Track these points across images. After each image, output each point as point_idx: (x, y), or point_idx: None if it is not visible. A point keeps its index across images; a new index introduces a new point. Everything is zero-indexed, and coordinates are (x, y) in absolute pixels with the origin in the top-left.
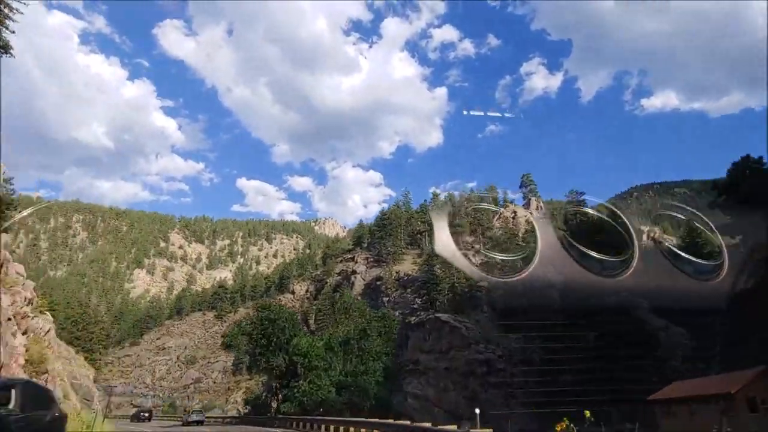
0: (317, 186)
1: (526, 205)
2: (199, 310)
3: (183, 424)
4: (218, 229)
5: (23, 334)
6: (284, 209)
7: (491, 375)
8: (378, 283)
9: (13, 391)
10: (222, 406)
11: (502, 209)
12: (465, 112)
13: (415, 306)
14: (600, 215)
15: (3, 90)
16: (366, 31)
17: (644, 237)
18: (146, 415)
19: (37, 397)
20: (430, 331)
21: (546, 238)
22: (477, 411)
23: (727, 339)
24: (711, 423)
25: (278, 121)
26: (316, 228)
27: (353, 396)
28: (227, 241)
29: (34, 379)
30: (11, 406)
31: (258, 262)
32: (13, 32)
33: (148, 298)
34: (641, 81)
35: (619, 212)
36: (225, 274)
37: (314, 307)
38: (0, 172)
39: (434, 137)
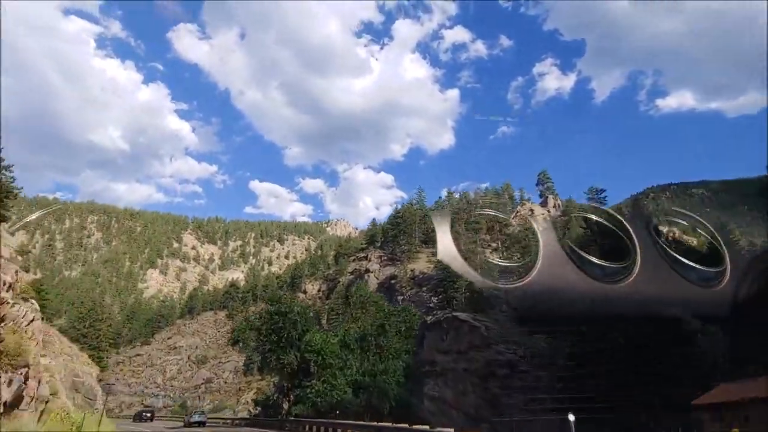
0: (329, 188)
1: (543, 203)
2: (211, 309)
3: (185, 425)
4: (231, 230)
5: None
6: (296, 211)
7: (513, 377)
8: (392, 281)
9: None
10: (233, 407)
11: (519, 207)
12: (477, 116)
13: (431, 305)
14: (619, 215)
15: (21, 94)
16: (377, 33)
17: (663, 239)
18: (148, 415)
19: None
20: (448, 330)
21: (548, 243)
22: (571, 418)
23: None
24: None
25: (290, 124)
26: (328, 229)
27: (371, 397)
28: (239, 242)
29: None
30: None
31: (270, 263)
32: None
33: (161, 298)
34: (656, 81)
35: (618, 216)
36: (237, 274)
37: (327, 306)
38: None
39: (446, 139)
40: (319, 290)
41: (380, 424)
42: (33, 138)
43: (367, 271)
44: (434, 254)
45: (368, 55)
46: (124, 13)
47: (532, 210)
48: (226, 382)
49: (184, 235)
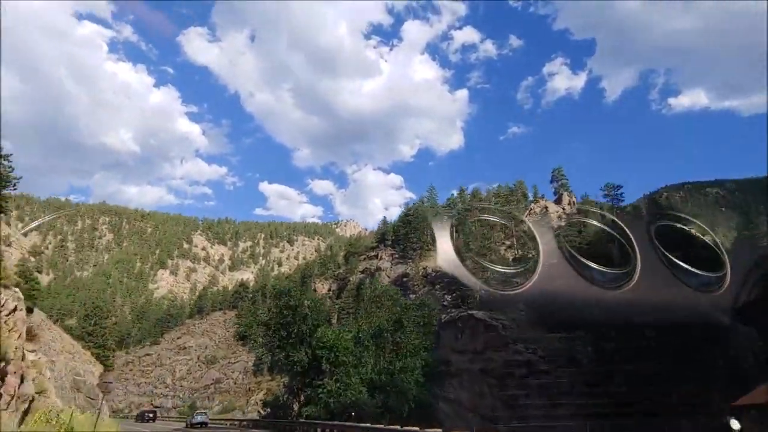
0: (338, 189)
1: (558, 201)
2: (220, 309)
3: (187, 426)
4: (241, 231)
5: None
6: (306, 212)
7: (533, 378)
8: (404, 279)
9: None
10: (243, 408)
11: (532, 204)
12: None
13: (445, 303)
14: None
15: (36, 99)
16: (386, 35)
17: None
18: (151, 415)
19: None
20: (463, 329)
21: (547, 247)
22: (735, 426)
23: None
24: None
25: (300, 126)
26: (338, 230)
27: (389, 398)
28: (249, 243)
29: None
30: None
31: (280, 264)
32: None
33: (171, 299)
34: (668, 80)
35: (618, 221)
36: (247, 275)
37: (337, 306)
38: None
39: (455, 140)
40: (329, 290)
41: (407, 429)
42: (47, 141)
43: (378, 269)
44: None
45: (377, 56)
46: (136, 17)
47: (546, 208)
48: (235, 383)
49: (195, 236)
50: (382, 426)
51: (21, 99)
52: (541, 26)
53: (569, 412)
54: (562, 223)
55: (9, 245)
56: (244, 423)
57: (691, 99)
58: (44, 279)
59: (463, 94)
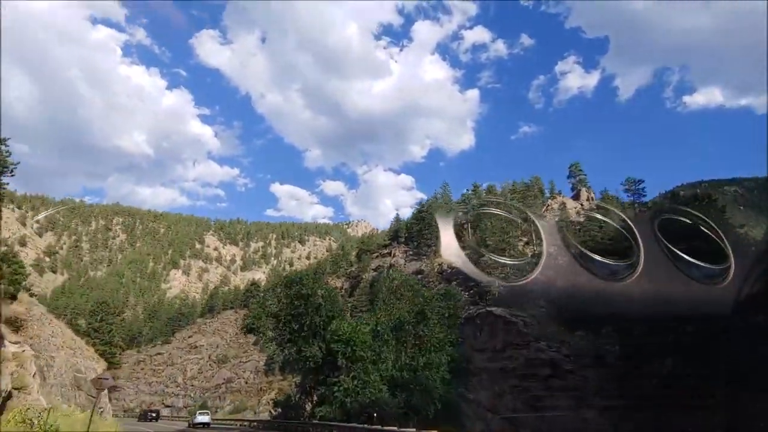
0: (349, 190)
1: (576, 197)
2: (231, 308)
3: (189, 426)
4: (252, 231)
5: None
6: (317, 213)
7: (557, 377)
8: (419, 276)
9: None
10: (254, 408)
11: (549, 200)
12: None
13: (462, 300)
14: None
15: (51, 102)
16: (396, 35)
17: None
18: (153, 415)
19: None
20: (482, 326)
21: (551, 240)
22: None
23: None
24: None
25: (310, 127)
26: (349, 230)
27: (412, 397)
28: (261, 243)
29: None
30: None
31: (291, 264)
32: None
33: (183, 298)
34: (683, 77)
35: (621, 214)
36: (259, 275)
37: (350, 304)
38: None
39: (466, 140)
40: (341, 288)
41: None
42: (62, 144)
43: (392, 266)
44: (463, 248)
45: (387, 57)
46: (149, 21)
47: (564, 203)
48: (246, 382)
49: (207, 237)
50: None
51: (36, 102)
52: (553, 25)
53: (597, 413)
54: (581, 219)
55: (24, 245)
56: (254, 424)
57: (706, 97)
58: (59, 279)
59: (473, 93)
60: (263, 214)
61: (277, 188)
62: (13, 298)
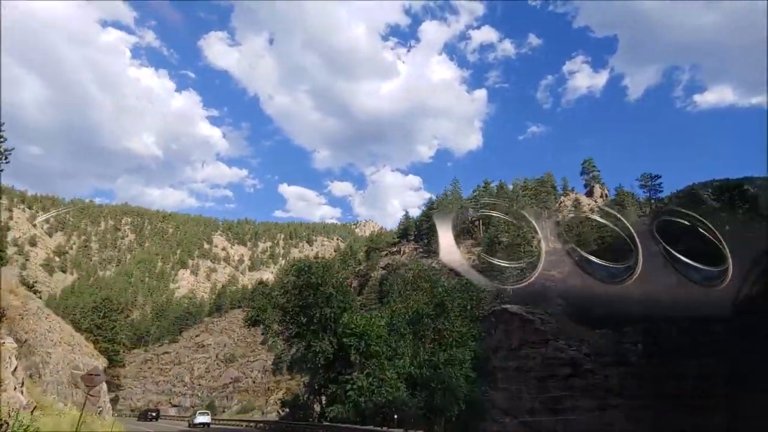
0: (357, 191)
1: (589, 193)
2: (239, 307)
3: (189, 426)
4: (260, 231)
5: None
6: (325, 214)
7: (577, 377)
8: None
9: None
10: (262, 408)
11: (562, 197)
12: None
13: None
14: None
15: (62, 105)
16: (404, 36)
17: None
18: (153, 414)
19: None
20: (496, 324)
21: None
22: None
23: None
24: None
25: (318, 128)
26: (357, 231)
27: (433, 396)
28: (269, 243)
29: None
30: None
31: None
32: None
33: (192, 298)
34: (693, 76)
35: (614, 212)
36: (267, 275)
37: (359, 303)
38: None
39: (474, 140)
40: (350, 286)
41: None
42: (72, 146)
43: (403, 264)
44: (474, 245)
45: (395, 57)
46: (158, 23)
47: (578, 200)
48: (254, 382)
49: (215, 237)
50: None
51: (48, 105)
52: (561, 24)
53: (622, 416)
54: (597, 216)
55: (34, 245)
56: (260, 425)
57: (717, 96)
58: (68, 278)
59: (481, 94)
60: (271, 215)
61: (285, 189)
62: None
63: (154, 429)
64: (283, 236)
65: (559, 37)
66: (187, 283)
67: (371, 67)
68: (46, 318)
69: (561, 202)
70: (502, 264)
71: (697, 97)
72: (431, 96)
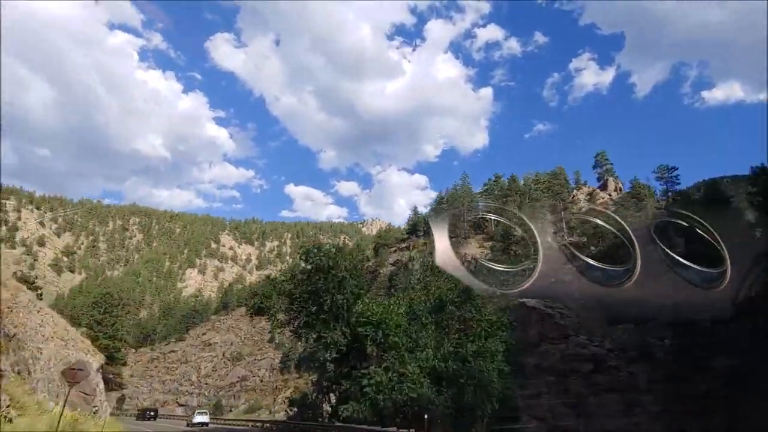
0: (363, 190)
1: (603, 187)
2: (246, 305)
3: (188, 425)
4: (267, 231)
5: None
6: (331, 214)
7: (601, 374)
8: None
9: None
10: (269, 407)
11: (575, 191)
12: None
13: None
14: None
15: (71, 107)
16: (409, 35)
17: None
18: (152, 413)
19: None
20: (513, 319)
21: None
22: None
23: None
24: None
25: (324, 128)
26: (363, 229)
27: (462, 393)
28: (276, 243)
29: None
30: None
31: None
32: None
33: (198, 296)
34: (701, 72)
35: (615, 216)
36: (274, 274)
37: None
38: None
39: (480, 139)
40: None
41: None
42: (81, 148)
43: (412, 259)
44: (486, 239)
45: (400, 57)
46: (165, 26)
47: (591, 194)
48: (262, 380)
49: (222, 236)
50: None
51: (55, 107)
52: (567, 22)
53: (650, 414)
54: (613, 209)
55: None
56: (267, 425)
57: (726, 92)
58: (76, 278)
59: (487, 92)
60: (278, 215)
61: (291, 189)
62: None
63: (152, 429)
64: (290, 235)
65: (565, 34)
66: (194, 283)
67: (376, 66)
68: (38, 311)
69: (574, 196)
70: (500, 269)
71: (705, 94)
72: (437, 95)
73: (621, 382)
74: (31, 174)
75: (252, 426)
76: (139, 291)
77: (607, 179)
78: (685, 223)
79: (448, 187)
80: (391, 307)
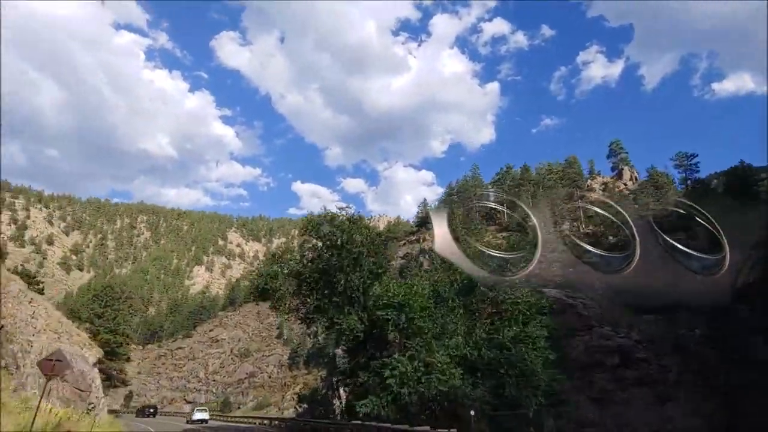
0: (369, 187)
1: (618, 176)
2: (253, 301)
3: (187, 422)
4: (274, 227)
5: None
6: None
7: (628, 367)
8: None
9: None
10: (278, 404)
11: (589, 180)
12: None
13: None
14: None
15: (78, 107)
16: (415, 30)
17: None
18: (151, 410)
19: None
20: None
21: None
22: None
23: None
24: None
25: (330, 125)
26: (371, 225)
27: (502, 386)
28: (283, 239)
29: None
30: None
31: None
32: None
33: (205, 292)
34: (711, 63)
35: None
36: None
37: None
38: None
39: (486, 134)
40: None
41: None
42: (89, 148)
43: (422, 252)
44: (499, 230)
45: (406, 53)
46: (171, 25)
47: (606, 183)
48: (270, 377)
49: (229, 233)
50: None
51: (63, 107)
52: (574, 15)
53: (683, 408)
54: (630, 198)
55: (51, 243)
56: (275, 423)
57: (736, 83)
58: (85, 276)
59: (493, 87)
60: (285, 212)
61: (298, 187)
62: None
63: (152, 427)
64: (297, 232)
65: (572, 27)
66: (202, 280)
67: (382, 63)
68: (30, 302)
69: (589, 185)
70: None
71: (715, 85)
72: (443, 90)
73: (651, 375)
74: (40, 174)
75: (260, 424)
76: (147, 288)
77: (623, 168)
78: (708, 212)
79: (458, 179)
80: (415, 288)
